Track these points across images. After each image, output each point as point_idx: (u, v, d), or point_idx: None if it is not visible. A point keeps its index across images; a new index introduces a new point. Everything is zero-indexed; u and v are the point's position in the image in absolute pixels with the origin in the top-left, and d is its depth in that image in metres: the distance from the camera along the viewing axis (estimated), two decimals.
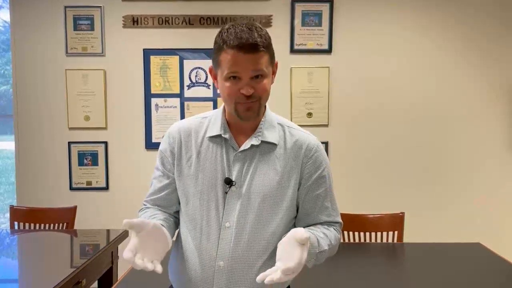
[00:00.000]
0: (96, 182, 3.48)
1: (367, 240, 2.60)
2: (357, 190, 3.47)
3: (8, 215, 3.03)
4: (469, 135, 3.50)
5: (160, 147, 1.34)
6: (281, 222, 1.25)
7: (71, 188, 3.48)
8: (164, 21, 3.41)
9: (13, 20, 3.43)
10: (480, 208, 3.49)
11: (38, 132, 3.47)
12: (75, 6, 3.40)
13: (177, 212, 1.34)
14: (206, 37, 3.35)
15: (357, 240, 2.61)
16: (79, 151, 3.46)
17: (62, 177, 3.47)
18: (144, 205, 1.36)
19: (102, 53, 3.43)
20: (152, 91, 3.44)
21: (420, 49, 3.45)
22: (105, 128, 3.46)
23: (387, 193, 3.47)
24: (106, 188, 3.48)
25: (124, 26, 3.41)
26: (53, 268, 2.07)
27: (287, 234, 1.13)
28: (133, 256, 1.04)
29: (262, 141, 1.26)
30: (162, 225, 1.21)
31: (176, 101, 3.45)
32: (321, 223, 1.31)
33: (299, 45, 3.43)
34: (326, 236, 1.26)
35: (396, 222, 2.60)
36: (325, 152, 1.33)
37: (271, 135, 1.28)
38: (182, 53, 3.43)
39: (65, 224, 2.83)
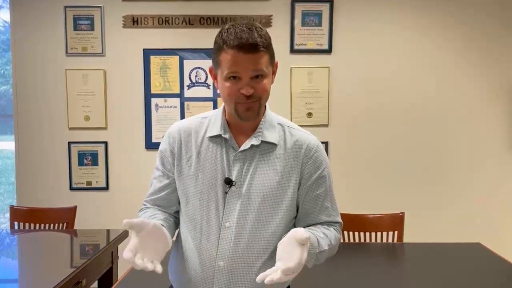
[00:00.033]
0: (96, 182, 3.48)
1: (367, 240, 2.60)
2: (357, 190, 3.47)
3: (8, 215, 3.03)
4: (469, 135, 3.50)
5: (160, 147, 1.34)
6: (281, 222, 1.25)
7: (71, 188, 3.48)
8: (164, 21, 3.41)
9: (13, 20, 3.43)
10: (480, 208, 3.49)
11: (38, 132, 3.47)
12: (75, 6, 3.40)
13: (177, 212, 1.34)
14: (206, 37, 3.35)
15: (357, 240, 2.61)
16: (79, 151, 3.46)
17: (62, 177, 3.47)
18: (144, 205, 1.36)
19: (102, 53, 3.43)
20: (152, 91, 3.44)
21: (420, 49, 3.45)
22: (105, 128, 3.46)
23: (387, 193, 3.47)
24: (106, 188, 3.48)
25: (124, 26, 3.41)
26: (53, 268, 2.07)
27: (287, 234, 1.13)
28: (133, 256, 1.04)
29: (262, 141, 1.26)
30: (162, 225, 1.21)
31: (176, 101, 3.45)
32: (321, 223, 1.31)
33: (299, 45, 3.43)
34: (326, 236, 1.26)
35: (396, 222, 2.60)
36: (325, 152, 1.33)
37: (271, 135, 1.28)
38: (182, 53, 3.43)
39: (65, 224, 2.83)
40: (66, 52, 3.43)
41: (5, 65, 4.18)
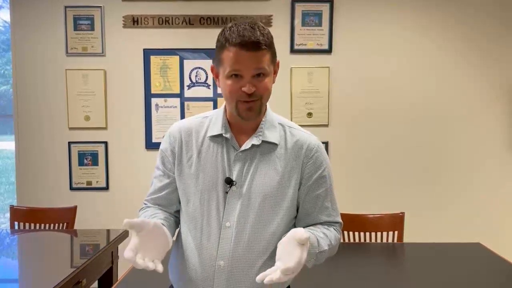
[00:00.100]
0: (96, 182, 3.48)
1: (367, 240, 2.60)
2: (357, 190, 3.47)
3: (8, 215, 3.03)
4: (469, 135, 3.50)
5: (161, 147, 1.34)
6: (281, 222, 1.25)
7: (71, 188, 3.48)
8: (164, 21, 3.41)
9: (13, 20, 3.43)
10: (480, 208, 3.49)
11: (38, 132, 3.47)
12: (75, 6, 3.40)
13: (178, 211, 1.34)
14: (206, 37, 3.35)
15: (357, 240, 2.61)
16: (79, 151, 3.46)
17: (62, 177, 3.47)
18: (145, 204, 1.36)
19: (102, 53, 3.43)
20: (152, 91, 3.44)
21: (420, 49, 3.45)
22: (105, 128, 3.46)
23: (387, 193, 3.47)
24: (106, 188, 3.48)
25: (124, 26, 3.41)
26: (53, 268, 2.07)
27: (287, 234, 1.13)
28: (134, 255, 1.04)
29: (263, 141, 1.26)
30: (163, 224, 1.22)
31: (176, 101, 3.45)
32: (321, 223, 1.31)
33: (299, 45, 3.43)
34: (326, 236, 1.26)
35: (396, 222, 2.60)
36: (325, 153, 1.33)
37: (272, 135, 1.28)
38: (182, 53, 3.43)
39: (65, 224, 2.83)
40: (66, 52, 3.43)
41: (5, 65, 4.18)
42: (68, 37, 3.42)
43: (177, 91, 3.45)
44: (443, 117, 3.49)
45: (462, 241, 2.60)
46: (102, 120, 3.45)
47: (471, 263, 2.20)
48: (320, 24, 3.42)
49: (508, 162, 3.51)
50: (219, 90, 3.37)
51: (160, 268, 1.08)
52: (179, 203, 1.32)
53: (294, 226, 1.31)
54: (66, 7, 3.40)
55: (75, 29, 3.41)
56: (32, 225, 2.84)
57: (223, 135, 1.27)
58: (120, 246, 2.51)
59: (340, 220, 1.36)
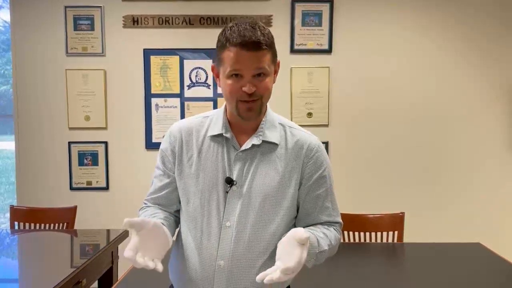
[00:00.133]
0: (96, 182, 3.48)
1: (367, 240, 2.60)
2: (357, 190, 3.47)
3: (8, 215, 3.03)
4: (469, 135, 3.50)
5: (161, 146, 1.34)
6: (281, 222, 1.25)
7: (71, 188, 3.48)
8: (164, 21, 3.41)
9: (13, 20, 3.43)
10: (480, 208, 3.49)
11: (38, 132, 3.47)
12: (75, 6, 3.40)
13: (178, 211, 1.34)
14: (206, 37, 3.35)
15: (357, 240, 2.61)
16: (79, 151, 3.46)
17: (62, 177, 3.47)
18: (145, 203, 1.36)
19: (102, 53, 3.43)
20: (152, 91, 3.44)
21: (420, 49, 3.45)
22: (105, 128, 3.46)
23: (387, 193, 3.47)
24: (106, 188, 3.48)
25: (124, 26, 3.41)
26: (53, 268, 2.07)
27: (287, 234, 1.13)
28: (134, 255, 1.04)
29: (263, 141, 1.26)
30: (163, 223, 1.22)
31: (176, 101, 3.45)
32: (321, 223, 1.31)
33: (299, 45, 3.43)
34: (326, 236, 1.26)
35: (396, 222, 2.60)
36: (326, 153, 1.33)
37: (272, 135, 1.28)
38: (182, 53, 3.43)
39: (65, 224, 2.83)
40: (66, 52, 3.43)
41: (5, 65, 4.18)
42: (68, 37, 3.42)
43: (177, 91, 3.45)
44: (443, 117, 3.49)
45: (462, 241, 2.60)
46: (102, 120, 3.45)
47: (471, 263, 2.20)
48: (320, 24, 3.42)
49: (508, 162, 3.51)
50: (219, 90, 3.38)
51: (160, 267, 1.08)
52: (179, 202, 1.32)
53: (294, 226, 1.31)
54: (66, 7, 3.40)
55: (75, 29, 3.41)
56: (32, 225, 2.84)
57: (224, 134, 1.27)
58: (120, 246, 2.51)
59: (340, 220, 1.36)
